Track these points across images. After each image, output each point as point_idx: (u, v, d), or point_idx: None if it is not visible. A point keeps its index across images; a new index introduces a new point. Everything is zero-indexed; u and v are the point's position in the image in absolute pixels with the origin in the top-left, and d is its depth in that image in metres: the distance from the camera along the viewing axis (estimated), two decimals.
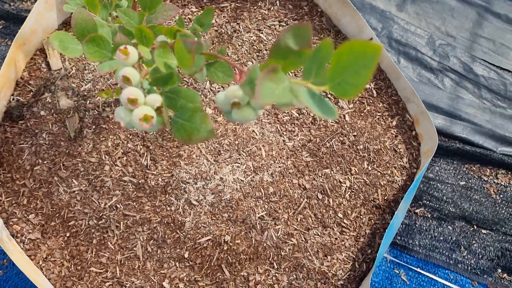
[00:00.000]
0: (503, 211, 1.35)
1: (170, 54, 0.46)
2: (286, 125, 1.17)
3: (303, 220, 1.10)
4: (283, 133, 1.15)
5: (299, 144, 1.15)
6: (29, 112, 1.13)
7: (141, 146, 1.11)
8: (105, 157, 1.10)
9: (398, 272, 1.18)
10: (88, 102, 1.14)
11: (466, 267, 1.29)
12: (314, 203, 1.11)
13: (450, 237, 1.30)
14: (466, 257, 1.29)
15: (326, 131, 1.18)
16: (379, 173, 1.16)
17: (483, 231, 1.34)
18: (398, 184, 1.16)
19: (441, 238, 1.29)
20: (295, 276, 1.06)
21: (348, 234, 1.10)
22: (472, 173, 1.37)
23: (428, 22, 1.55)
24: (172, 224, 1.05)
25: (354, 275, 1.08)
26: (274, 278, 1.05)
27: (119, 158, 1.10)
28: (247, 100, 0.43)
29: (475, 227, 1.33)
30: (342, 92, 0.33)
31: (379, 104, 1.23)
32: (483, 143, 1.37)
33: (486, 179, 1.36)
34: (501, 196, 1.36)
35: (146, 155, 1.10)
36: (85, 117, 1.13)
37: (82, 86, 1.16)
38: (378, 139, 1.19)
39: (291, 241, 1.08)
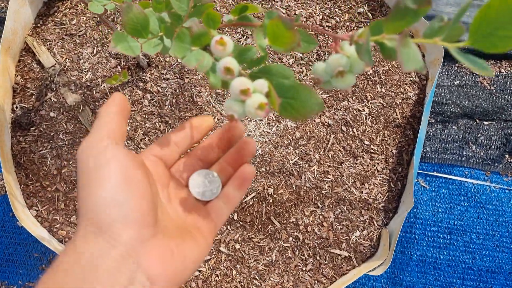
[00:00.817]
0: (500, 99, 1.41)
1: (260, 34, 0.45)
2: (292, 67, 1.17)
3: (334, 156, 1.13)
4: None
5: (311, 83, 1.16)
6: (37, 116, 1.10)
7: (159, 123, 1.10)
8: (127, 143, 1.09)
9: (417, 180, 1.24)
10: (94, 92, 1.11)
11: (477, 160, 1.35)
12: (340, 137, 1.13)
13: (457, 136, 1.35)
14: (476, 151, 1.35)
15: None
16: (393, 93, 1.18)
17: (485, 122, 1.39)
18: (412, 99, 1.19)
19: (449, 139, 1.34)
20: (340, 210, 1.10)
21: (377, 158, 1.14)
22: (464, 71, 1.41)
23: None
24: None
25: (392, 195, 1.14)
26: (321, 217, 1.10)
27: (141, 140, 1.09)
28: (349, 67, 0.43)
29: (477, 121, 1.39)
30: (489, 46, 0.33)
31: None
32: None
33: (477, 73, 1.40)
34: (494, 86, 1.41)
35: (167, 130, 1.09)
36: (96, 108, 1.10)
37: (83, 77, 1.12)
38: (384, 60, 1.20)
39: (328, 178, 1.11)
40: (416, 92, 1.20)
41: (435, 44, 1.10)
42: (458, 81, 1.40)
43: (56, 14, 1.20)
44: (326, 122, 1.14)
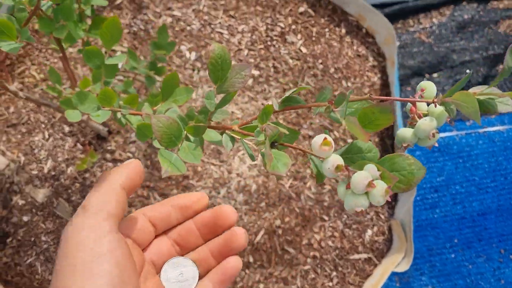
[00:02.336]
0: (441, 49, 1.43)
1: None
2: (254, 88, 1.13)
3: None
4: (256, 96, 1.12)
5: (278, 100, 1.13)
6: (10, 225, 0.99)
7: (141, 190, 1.03)
8: None
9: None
10: (62, 180, 1.02)
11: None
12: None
13: (413, 97, 1.36)
14: None
15: (293, 73, 1.15)
16: (359, 84, 1.17)
17: (435, 75, 1.42)
18: (377, 84, 1.19)
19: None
20: (346, 216, 1.10)
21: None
22: (400, 31, 1.42)
23: None
24: None
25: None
26: (330, 228, 1.09)
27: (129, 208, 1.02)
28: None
29: (427, 76, 1.41)
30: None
31: (320, 20, 1.21)
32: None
33: (412, 29, 1.42)
34: (432, 37, 1.44)
35: (152, 195, 1.03)
36: (70, 196, 1.02)
37: (44, 167, 1.03)
38: (341, 54, 1.19)
39: (325, 188, 1.10)
40: (379, 75, 1.20)
41: (382, 23, 1.09)
42: (398, 43, 1.40)
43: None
44: (307, 134, 1.11)
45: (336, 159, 0.40)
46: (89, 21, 0.72)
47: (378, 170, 0.40)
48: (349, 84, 1.16)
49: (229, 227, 0.47)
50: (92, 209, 0.39)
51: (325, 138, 0.40)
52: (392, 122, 0.40)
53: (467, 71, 1.43)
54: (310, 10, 1.21)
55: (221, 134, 0.55)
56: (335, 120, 0.47)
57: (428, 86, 0.42)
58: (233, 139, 0.55)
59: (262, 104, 1.12)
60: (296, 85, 1.14)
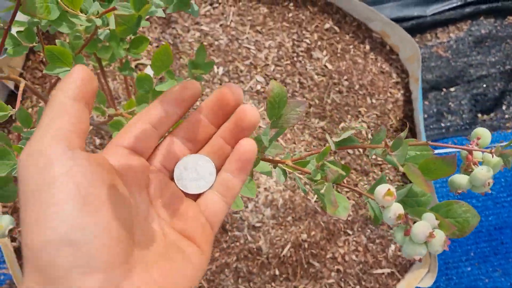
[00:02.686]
0: (458, 63, 1.45)
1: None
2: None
3: (348, 179, 1.13)
4: None
5: (304, 115, 1.15)
6: None
7: None
8: None
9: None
10: None
11: (456, 128, 1.38)
12: (349, 160, 1.14)
13: (431, 111, 1.38)
14: (452, 120, 1.39)
15: (319, 89, 1.17)
16: (382, 100, 1.19)
17: (452, 89, 1.44)
18: (400, 100, 1.21)
19: (425, 116, 1.36)
20: (369, 230, 1.12)
21: (386, 168, 1.16)
22: (418, 45, 1.44)
23: None
24: (250, 255, 1.04)
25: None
26: (354, 243, 1.10)
27: None
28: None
29: (444, 90, 1.43)
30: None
31: (345, 37, 1.23)
32: (413, 14, 1.41)
33: (430, 43, 1.44)
34: (449, 52, 1.45)
35: None
36: None
37: None
38: (365, 70, 1.21)
39: (350, 203, 1.12)
40: (402, 92, 1.22)
41: (406, 41, 1.11)
42: None
43: None
44: (331, 150, 1.13)
45: (397, 209, 0.42)
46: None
47: (437, 219, 0.41)
48: (374, 100, 1.18)
49: (236, 104, 0.42)
50: (38, 131, 0.33)
51: (389, 189, 0.42)
52: (453, 172, 0.42)
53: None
54: (335, 27, 1.23)
55: (274, 167, 0.57)
56: (391, 163, 0.48)
57: (483, 134, 0.44)
58: (285, 173, 0.57)
59: None
60: (322, 101, 1.16)
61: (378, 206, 0.50)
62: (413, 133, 1.20)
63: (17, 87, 1.14)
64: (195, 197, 0.42)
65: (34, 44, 0.59)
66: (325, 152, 0.51)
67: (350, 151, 1.14)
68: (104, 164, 0.35)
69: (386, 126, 1.18)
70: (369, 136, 1.16)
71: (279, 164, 0.57)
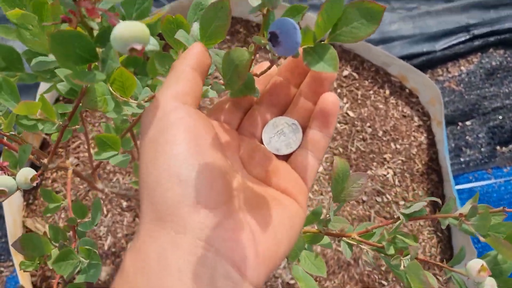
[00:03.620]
0: (471, 96, 1.45)
1: None
2: None
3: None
4: None
5: (328, 164, 1.14)
6: None
7: None
8: None
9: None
10: (123, 256, 1.02)
11: (475, 162, 1.37)
12: (378, 208, 1.12)
13: (449, 146, 1.37)
14: (470, 154, 1.39)
15: (342, 137, 1.17)
16: (407, 145, 1.19)
17: (468, 123, 1.43)
18: (424, 143, 1.20)
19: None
20: None
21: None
22: (438, 88, 1.44)
23: None
24: None
25: (444, 244, 1.14)
26: None
27: None
28: None
29: (460, 124, 1.43)
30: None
31: (364, 83, 1.23)
32: (422, 50, 1.41)
33: (442, 78, 1.44)
34: (461, 85, 1.45)
35: None
36: None
37: (104, 244, 1.03)
38: (387, 115, 1.20)
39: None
40: (425, 135, 1.21)
41: (425, 83, 1.11)
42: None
43: (44, 182, 1.10)
44: (360, 199, 1.12)
45: (492, 284, 0.41)
46: None
47: None
48: (398, 146, 1.17)
49: None
50: (161, 91, 0.37)
51: (482, 265, 0.41)
52: None
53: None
54: (354, 73, 1.23)
55: (339, 240, 0.56)
56: (467, 233, 0.47)
57: None
58: (351, 246, 0.56)
59: None
60: (346, 150, 1.15)
61: (462, 280, 0.49)
62: (439, 176, 1.19)
63: (49, 137, 1.13)
64: (286, 157, 0.44)
65: (77, 126, 0.59)
66: (397, 226, 0.50)
67: (379, 199, 1.13)
68: (210, 121, 0.38)
69: (413, 171, 1.17)
70: (396, 182, 1.15)
71: (343, 238, 0.55)
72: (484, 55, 1.52)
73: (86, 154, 1.11)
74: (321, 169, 1.14)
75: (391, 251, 0.49)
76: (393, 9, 1.50)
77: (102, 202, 1.07)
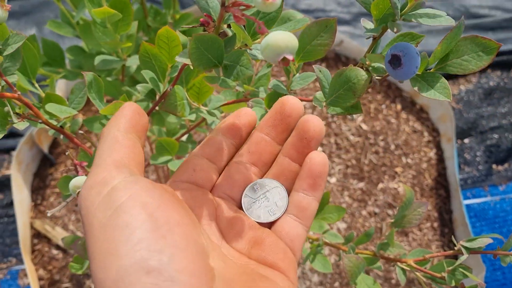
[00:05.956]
0: (470, 115, 1.48)
1: None
2: None
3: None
4: None
5: (341, 176, 1.15)
6: None
7: None
8: None
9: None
10: None
11: (473, 179, 1.38)
12: (389, 220, 1.13)
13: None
14: (468, 171, 1.41)
15: (355, 150, 1.18)
16: (417, 160, 1.20)
17: (466, 141, 1.45)
18: (434, 159, 1.22)
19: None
20: None
21: (425, 227, 1.16)
22: (449, 105, 1.47)
23: None
24: None
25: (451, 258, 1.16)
26: None
27: None
28: None
29: (458, 142, 1.45)
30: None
31: (377, 97, 1.25)
32: None
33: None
34: (461, 103, 1.48)
35: None
36: None
37: None
38: (399, 130, 1.22)
39: (392, 267, 1.11)
40: (435, 151, 1.23)
41: (438, 101, 1.13)
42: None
43: (53, 182, 1.07)
44: (372, 212, 1.13)
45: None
46: None
47: None
48: (409, 160, 1.19)
49: (297, 116, 0.38)
50: (96, 165, 0.32)
51: None
52: None
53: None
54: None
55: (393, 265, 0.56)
56: None
57: None
58: (405, 272, 0.56)
59: (327, 180, 1.13)
60: (359, 162, 1.16)
61: None
62: (447, 191, 1.21)
63: (51, 151, 1.11)
64: (269, 224, 0.39)
65: None
66: (461, 260, 0.50)
67: (390, 211, 1.14)
68: (169, 190, 0.33)
69: (422, 185, 1.19)
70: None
71: (398, 263, 0.56)
72: (482, 75, 1.56)
73: None
74: (333, 180, 1.15)
75: (453, 283, 0.49)
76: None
77: None
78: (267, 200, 0.39)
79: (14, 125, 0.39)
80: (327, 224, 0.63)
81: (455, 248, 0.51)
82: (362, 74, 0.36)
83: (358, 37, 1.38)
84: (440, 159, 1.23)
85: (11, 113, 0.39)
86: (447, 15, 0.33)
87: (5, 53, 0.35)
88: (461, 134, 1.44)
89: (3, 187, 1.10)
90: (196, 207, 0.36)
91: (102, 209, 0.29)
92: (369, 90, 1.25)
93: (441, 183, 1.21)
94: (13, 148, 1.08)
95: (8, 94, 0.38)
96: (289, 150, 0.39)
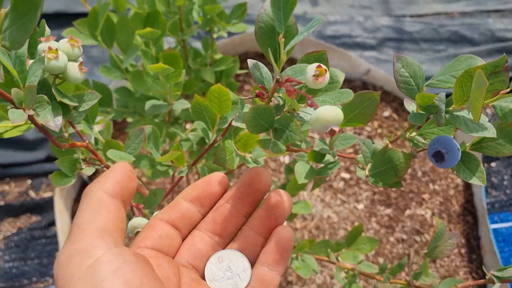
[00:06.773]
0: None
1: None
2: (345, 191, 1.17)
3: (418, 268, 1.14)
4: (348, 199, 1.16)
5: (369, 202, 1.17)
6: None
7: None
8: None
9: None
10: None
11: (501, 203, 1.38)
12: (417, 248, 1.15)
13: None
14: (496, 195, 1.41)
15: None
16: (444, 186, 1.22)
17: (492, 164, 1.45)
18: (460, 185, 1.24)
19: None
20: None
21: (453, 253, 1.17)
22: None
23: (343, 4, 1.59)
24: None
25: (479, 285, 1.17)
26: None
27: None
28: None
29: (485, 165, 1.46)
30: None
31: (403, 124, 1.27)
32: (451, 91, 1.43)
33: None
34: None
35: None
36: None
37: None
38: (425, 156, 1.24)
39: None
40: None
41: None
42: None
43: None
44: (400, 238, 1.15)
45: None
46: None
47: None
48: (436, 187, 1.21)
49: (265, 190, 0.39)
50: (79, 229, 0.31)
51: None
52: None
53: None
54: (394, 114, 1.27)
55: None
56: None
57: None
58: None
59: (354, 207, 1.16)
60: (386, 189, 1.18)
61: None
62: (474, 218, 1.22)
63: (91, 178, 1.16)
64: None
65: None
66: None
67: (418, 238, 1.16)
68: (148, 262, 0.33)
69: (449, 211, 1.20)
70: (433, 222, 1.18)
71: None
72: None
73: None
74: (361, 206, 1.17)
75: None
76: (421, 50, 1.55)
77: None
78: (231, 271, 0.39)
79: (82, 171, 0.44)
80: (361, 255, 0.66)
81: (486, 277, 0.54)
82: (402, 157, 0.39)
83: (384, 62, 1.41)
84: (467, 185, 1.24)
85: (80, 159, 0.44)
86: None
87: (80, 110, 0.38)
88: (487, 157, 1.46)
89: (42, 209, 1.16)
90: (163, 277, 0.35)
91: (83, 282, 0.29)
92: (396, 117, 1.28)
93: (468, 209, 1.23)
94: (51, 172, 1.14)
95: (79, 143, 0.42)
96: (256, 224, 0.39)
